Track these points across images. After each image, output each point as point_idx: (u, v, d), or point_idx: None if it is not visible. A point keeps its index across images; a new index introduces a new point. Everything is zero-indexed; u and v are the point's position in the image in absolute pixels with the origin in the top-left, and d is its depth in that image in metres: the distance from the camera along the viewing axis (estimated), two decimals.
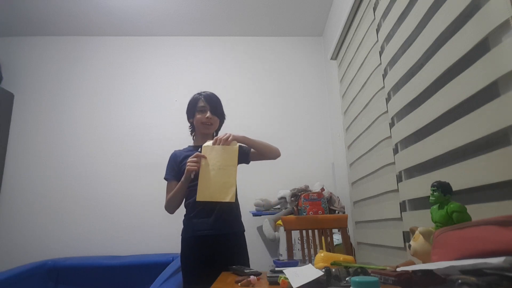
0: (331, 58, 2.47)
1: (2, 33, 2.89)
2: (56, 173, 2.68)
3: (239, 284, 0.87)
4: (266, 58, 3.00)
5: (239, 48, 3.01)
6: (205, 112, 1.53)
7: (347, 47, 2.15)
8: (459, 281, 0.49)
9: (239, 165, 1.50)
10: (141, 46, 2.97)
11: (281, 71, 2.97)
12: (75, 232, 2.57)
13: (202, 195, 1.37)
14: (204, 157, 1.41)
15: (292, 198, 2.29)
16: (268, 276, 0.90)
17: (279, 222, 2.16)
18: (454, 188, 0.74)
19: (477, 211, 0.85)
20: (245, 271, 1.02)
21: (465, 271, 0.53)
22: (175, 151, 1.62)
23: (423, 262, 0.74)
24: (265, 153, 1.54)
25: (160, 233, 2.57)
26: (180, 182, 1.45)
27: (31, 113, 2.80)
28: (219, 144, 1.41)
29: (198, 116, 1.54)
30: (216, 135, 1.61)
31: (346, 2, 2.12)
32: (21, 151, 2.72)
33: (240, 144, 1.48)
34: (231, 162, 1.40)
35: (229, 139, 1.42)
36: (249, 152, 1.58)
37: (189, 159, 1.41)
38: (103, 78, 2.89)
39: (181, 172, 1.48)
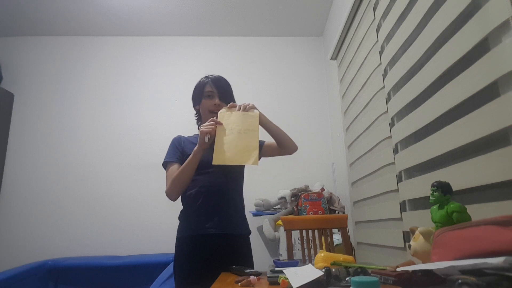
0: (331, 58, 2.47)
1: (2, 33, 2.89)
2: (56, 173, 2.68)
3: (239, 284, 0.87)
4: (266, 58, 3.00)
5: (239, 48, 3.01)
6: (213, 98, 1.37)
7: (347, 47, 2.15)
8: (459, 281, 0.49)
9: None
10: (141, 46, 2.97)
11: (281, 71, 2.97)
12: (75, 232, 2.57)
13: (220, 158, 1.20)
14: (220, 123, 1.26)
15: (292, 198, 2.29)
16: (268, 276, 0.90)
17: (279, 222, 2.16)
18: (454, 188, 0.74)
19: (477, 211, 0.85)
20: (245, 271, 1.02)
21: (465, 271, 0.53)
22: (179, 135, 1.46)
23: (423, 262, 0.74)
24: (283, 140, 1.36)
25: (160, 233, 2.57)
26: (192, 154, 1.26)
27: (31, 113, 2.80)
28: (241, 110, 1.28)
29: (205, 102, 1.38)
30: None
31: (346, 2, 2.12)
32: (21, 151, 2.72)
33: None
34: (253, 126, 1.26)
35: (251, 106, 1.30)
36: (262, 146, 1.41)
37: (203, 125, 1.26)
38: (103, 78, 2.90)
39: (184, 156, 1.32)
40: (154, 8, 2.63)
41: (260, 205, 2.44)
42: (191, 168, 1.27)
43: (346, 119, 2.23)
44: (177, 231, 1.33)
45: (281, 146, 1.38)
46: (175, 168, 1.32)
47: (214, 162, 1.20)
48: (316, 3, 2.62)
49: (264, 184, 2.63)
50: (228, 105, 1.33)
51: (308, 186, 2.35)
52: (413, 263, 0.75)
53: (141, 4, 2.58)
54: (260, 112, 1.34)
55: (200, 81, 1.44)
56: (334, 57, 2.45)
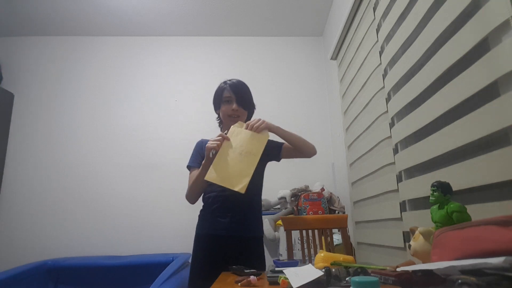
0: (331, 58, 2.47)
1: (2, 33, 2.89)
2: (56, 173, 2.68)
3: (239, 284, 0.87)
4: (266, 58, 3.00)
5: (239, 48, 3.01)
6: (231, 103, 1.39)
7: (347, 47, 2.15)
8: (459, 281, 0.49)
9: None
10: (141, 46, 2.97)
11: (281, 71, 2.97)
12: (75, 232, 2.57)
13: (212, 176, 1.21)
14: (228, 138, 1.27)
15: (292, 198, 2.29)
16: (268, 276, 0.90)
17: (279, 222, 2.16)
18: (454, 188, 0.74)
19: (477, 211, 0.85)
20: (245, 271, 1.02)
21: (465, 271, 0.53)
22: (202, 139, 1.50)
23: (423, 262, 0.74)
24: (301, 147, 1.39)
25: (160, 233, 2.57)
26: (201, 166, 1.33)
27: (31, 113, 2.80)
28: (249, 129, 1.28)
29: (224, 107, 1.41)
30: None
31: (346, 2, 2.12)
32: (21, 151, 2.72)
33: (271, 139, 1.36)
34: (256, 150, 1.25)
35: (261, 126, 1.28)
36: (281, 147, 1.45)
37: (212, 139, 1.29)
38: (103, 78, 2.90)
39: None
40: (154, 8, 2.63)
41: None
42: (200, 180, 1.30)
43: (346, 119, 2.23)
44: (196, 228, 1.42)
45: (300, 152, 1.41)
46: (195, 173, 1.38)
47: (206, 178, 1.23)
48: (316, 3, 2.62)
49: (264, 184, 2.63)
50: (245, 124, 1.32)
51: (308, 186, 2.35)
52: (413, 263, 0.75)
53: (141, 4, 2.58)
54: (274, 126, 1.34)
55: (219, 87, 1.47)
56: (334, 57, 2.45)
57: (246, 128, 1.29)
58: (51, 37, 2.95)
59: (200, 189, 1.38)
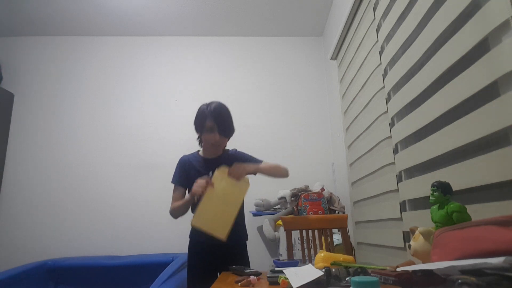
0: (331, 58, 2.47)
1: (2, 33, 2.89)
2: (56, 173, 2.68)
3: (239, 284, 0.87)
4: (266, 58, 3.00)
5: (239, 48, 3.01)
6: (214, 133, 1.45)
7: (347, 47, 2.15)
8: (459, 281, 0.49)
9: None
10: (141, 46, 2.97)
11: (281, 71, 2.97)
12: (75, 232, 2.57)
13: (197, 221, 1.34)
14: (212, 185, 1.36)
15: (292, 198, 2.29)
16: (268, 276, 0.90)
17: (279, 222, 2.16)
18: (454, 188, 0.74)
19: (477, 211, 0.85)
20: (245, 271, 1.02)
21: (465, 271, 0.53)
22: (183, 157, 1.57)
23: (423, 262, 0.74)
24: (274, 176, 1.53)
25: (160, 233, 2.57)
26: (185, 200, 1.45)
27: (31, 113, 2.80)
28: (231, 177, 1.38)
29: (206, 136, 1.47)
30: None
31: (346, 2, 2.13)
32: (21, 151, 2.72)
33: (251, 156, 1.52)
34: (237, 199, 1.39)
35: (242, 174, 1.39)
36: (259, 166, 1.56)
37: (197, 183, 1.35)
38: (103, 78, 2.90)
39: (188, 180, 1.46)
40: (154, 8, 2.63)
41: (260, 205, 2.44)
42: (185, 208, 1.46)
43: (346, 119, 2.23)
44: (189, 234, 1.53)
45: (275, 178, 1.55)
46: (178, 191, 1.51)
47: (192, 223, 1.35)
48: (316, 3, 2.62)
49: (264, 184, 2.62)
50: (227, 171, 1.39)
51: (308, 186, 2.35)
52: (413, 263, 0.75)
53: (141, 4, 2.58)
54: (252, 169, 1.45)
55: (201, 111, 1.48)
56: (334, 57, 2.45)
57: (228, 174, 1.38)
58: (51, 37, 2.95)
59: (183, 214, 1.49)
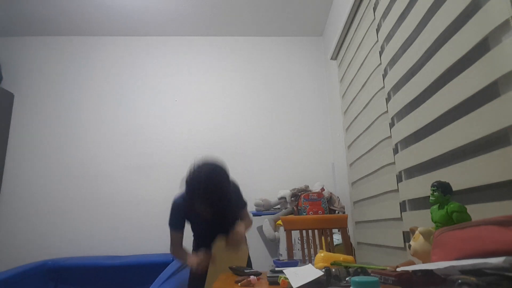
0: (331, 58, 2.47)
1: (2, 33, 2.89)
2: (56, 173, 2.68)
3: (239, 284, 0.87)
4: (266, 58, 3.00)
5: (239, 48, 3.01)
6: (206, 211, 1.36)
7: (347, 47, 2.15)
8: (459, 281, 0.49)
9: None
10: (141, 46, 2.97)
11: (281, 71, 2.97)
12: (75, 232, 2.57)
13: None
14: (213, 260, 1.39)
15: (292, 198, 2.29)
16: (268, 276, 0.90)
17: (279, 222, 2.16)
18: (454, 188, 0.74)
19: (477, 211, 0.85)
20: (245, 271, 1.02)
21: (465, 271, 0.53)
22: (176, 200, 1.49)
23: (423, 262, 0.74)
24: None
25: (160, 233, 2.56)
26: (186, 257, 1.48)
27: (31, 113, 2.80)
28: (231, 247, 1.41)
29: (199, 211, 1.38)
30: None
31: (346, 2, 2.13)
32: (21, 151, 2.72)
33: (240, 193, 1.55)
34: (240, 264, 1.39)
35: (240, 241, 1.43)
36: (242, 209, 1.59)
37: (197, 261, 1.37)
38: (103, 78, 2.90)
39: (190, 219, 1.52)
40: (154, 8, 2.63)
41: (260, 205, 2.44)
42: (183, 260, 1.51)
43: (346, 119, 2.23)
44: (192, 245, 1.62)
45: None
46: (176, 234, 1.52)
47: None
48: (316, 3, 2.62)
49: (264, 184, 2.64)
50: (226, 243, 1.43)
51: (308, 186, 2.35)
52: (413, 263, 0.75)
53: (142, 4, 2.58)
54: (243, 226, 1.47)
55: (192, 189, 1.32)
56: (334, 57, 2.45)
57: (227, 246, 1.42)
58: (51, 37, 2.95)
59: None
